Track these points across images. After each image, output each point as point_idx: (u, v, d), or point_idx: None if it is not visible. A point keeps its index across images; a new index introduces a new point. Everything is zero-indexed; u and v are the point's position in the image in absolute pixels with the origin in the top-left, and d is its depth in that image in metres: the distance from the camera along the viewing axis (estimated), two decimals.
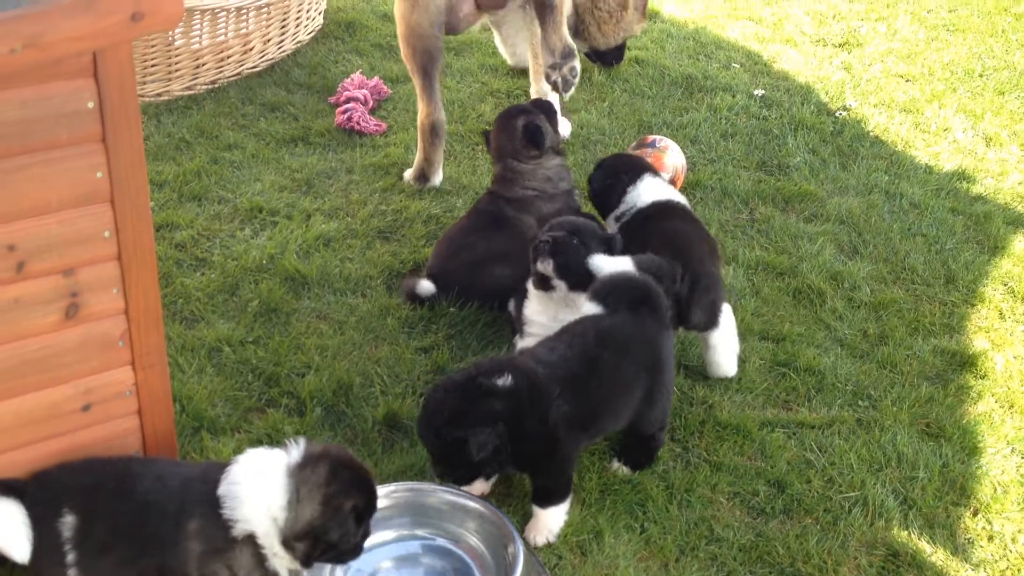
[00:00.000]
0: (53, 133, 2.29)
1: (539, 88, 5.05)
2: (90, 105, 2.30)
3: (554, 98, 4.81)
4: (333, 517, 2.40)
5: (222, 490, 2.39)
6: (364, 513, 2.47)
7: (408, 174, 4.54)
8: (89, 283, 2.47)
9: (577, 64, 4.45)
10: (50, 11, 2.09)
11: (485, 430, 2.72)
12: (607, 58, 5.55)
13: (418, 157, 4.51)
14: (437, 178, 4.55)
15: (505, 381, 2.77)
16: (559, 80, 4.43)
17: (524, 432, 2.78)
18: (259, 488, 2.39)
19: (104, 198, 2.41)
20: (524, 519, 2.92)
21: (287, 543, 2.40)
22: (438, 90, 4.43)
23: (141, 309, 2.56)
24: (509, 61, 5.54)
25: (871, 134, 5.14)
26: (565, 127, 4.93)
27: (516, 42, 5.37)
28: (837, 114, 5.26)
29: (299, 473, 2.41)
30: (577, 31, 5.28)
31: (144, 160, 2.43)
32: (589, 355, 2.95)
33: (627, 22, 5.38)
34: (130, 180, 2.42)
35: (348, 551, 2.49)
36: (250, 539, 2.38)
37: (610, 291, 3.10)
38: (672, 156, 4.34)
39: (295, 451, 2.45)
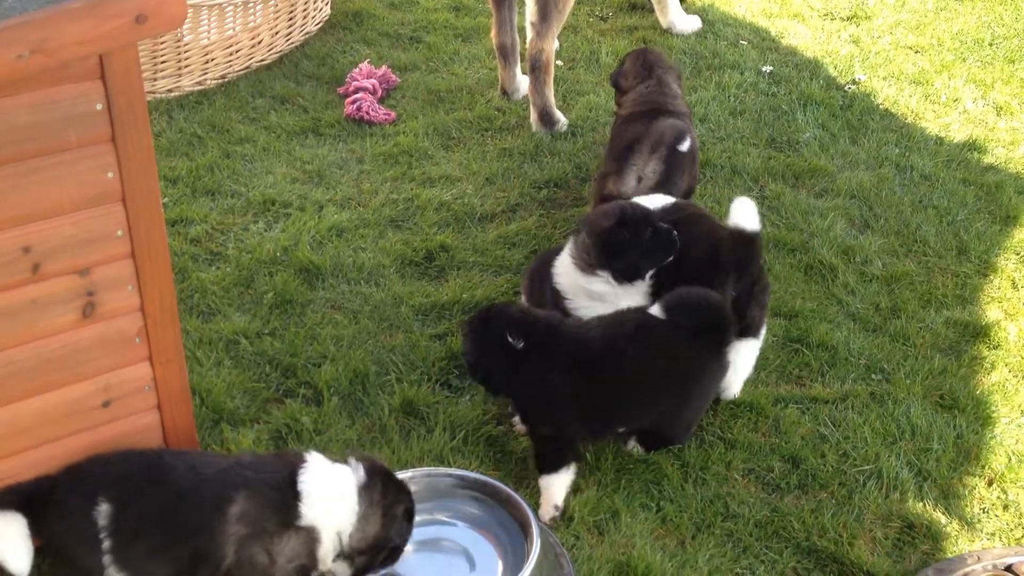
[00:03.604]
0: (63, 136, 2.33)
1: (667, 20, 5.79)
2: (99, 107, 2.34)
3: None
4: (392, 526, 2.56)
5: (302, 486, 2.50)
6: (412, 511, 2.63)
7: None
8: (104, 282, 2.52)
9: None
10: (55, 16, 2.12)
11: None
12: None
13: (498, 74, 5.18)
14: (518, 94, 5.12)
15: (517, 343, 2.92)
16: None
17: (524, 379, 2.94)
18: (334, 503, 2.52)
19: (116, 198, 2.45)
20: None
21: (347, 556, 2.55)
22: (507, 18, 4.98)
23: (157, 305, 2.61)
24: None
25: (881, 107, 5.12)
26: (693, 22, 5.78)
27: None
28: (846, 88, 5.25)
29: (366, 494, 2.55)
30: None
31: (154, 158, 2.46)
32: (616, 345, 2.97)
33: None
34: (141, 179, 2.46)
35: (398, 549, 2.63)
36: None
37: (680, 307, 3.04)
38: None
39: (360, 470, 2.57)
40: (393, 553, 2.61)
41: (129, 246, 2.51)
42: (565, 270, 3.33)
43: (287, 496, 2.49)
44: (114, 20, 2.19)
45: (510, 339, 2.91)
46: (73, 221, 2.41)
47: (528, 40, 4.78)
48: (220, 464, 2.55)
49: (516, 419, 3.20)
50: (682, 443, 3.15)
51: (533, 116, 4.85)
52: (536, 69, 4.75)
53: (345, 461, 2.60)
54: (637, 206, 3.34)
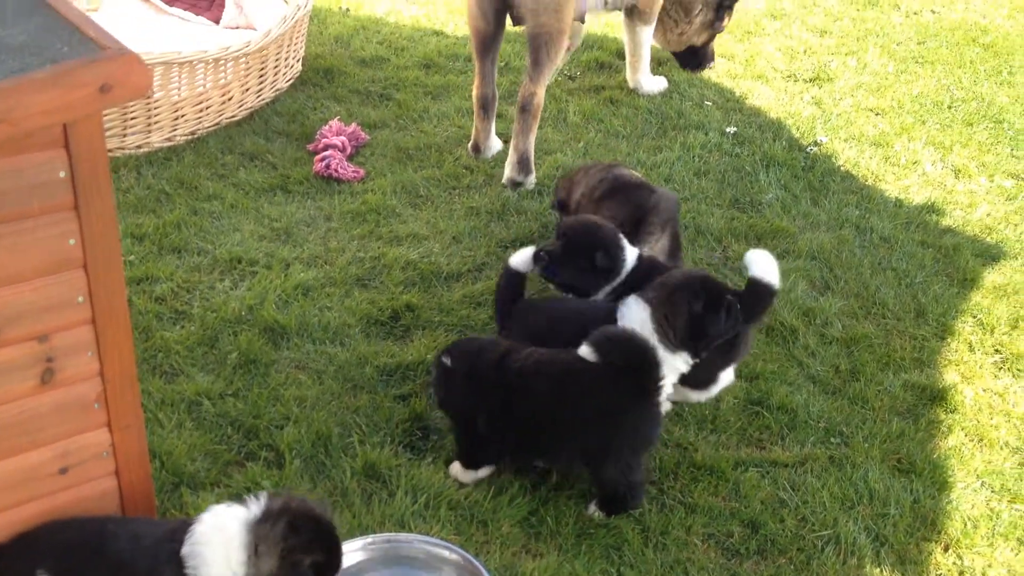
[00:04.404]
0: (26, 203, 2.33)
1: (634, 78, 5.90)
2: (62, 175, 2.35)
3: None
4: (292, 572, 2.43)
5: (185, 550, 2.43)
6: (325, 569, 2.51)
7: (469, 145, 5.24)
8: (64, 348, 2.51)
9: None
10: (20, 86, 2.14)
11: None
12: (681, 61, 6.18)
13: (473, 128, 5.22)
14: (489, 151, 5.19)
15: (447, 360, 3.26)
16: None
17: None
18: (219, 545, 2.43)
19: (77, 264, 2.45)
20: (502, 569, 2.96)
21: None
22: (489, 71, 5.08)
23: (116, 371, 2.60)
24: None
25: (842, 169, 5.22)
26: (659, 82, 5.94)
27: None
28: (808, 149, 5.35)
29: (258, 528, 2.45)
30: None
31: (116, 224, 2.47)
32: (533, 375, 3.15)
33: (689, 33, 5.97)
34: (103, 245, 2.46)
35: None
36: None
37: (605, 345, 3.11)
38: None
39: (255, 506, 2.49)
40: None
41: (90, 312, 2.51)
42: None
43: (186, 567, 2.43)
44: (79, 90, 2.21)
45: (444, 360, 3.25)
46: (34, 288, 2.41)
47: (522, 85, 4.92)
48: (157, 533, 2.53)
49: (451, 466, 3.32)
50: (636, 503, 3.16)
51: (511, 161, 4.93)
52: (525, 111, 4.89)
53: (254, 502, 2.52)
54: (714, 280, 3.43)
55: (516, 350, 3.24)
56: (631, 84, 5.91)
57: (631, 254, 3.65)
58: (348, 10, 6.88)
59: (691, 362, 3.33)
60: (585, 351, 3.10)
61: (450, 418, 3.39)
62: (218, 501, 3.07)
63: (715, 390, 3.55)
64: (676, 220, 4.03)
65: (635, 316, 3.30)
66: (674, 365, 3.31)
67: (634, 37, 5.78)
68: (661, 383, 3.11)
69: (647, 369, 3.08)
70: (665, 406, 3.45)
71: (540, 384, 3.14)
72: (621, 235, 3.68)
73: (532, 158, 4.93)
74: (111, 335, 2.55)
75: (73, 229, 2.42)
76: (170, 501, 3.11)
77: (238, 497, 3.09)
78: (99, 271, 2.48)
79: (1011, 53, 6.64)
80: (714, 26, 5.99)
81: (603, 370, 3.09)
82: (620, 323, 3.30)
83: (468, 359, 3.25)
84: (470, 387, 3.22)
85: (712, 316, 3.27)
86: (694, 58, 6.15)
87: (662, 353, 3.21)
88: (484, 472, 3.28)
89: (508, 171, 4.93)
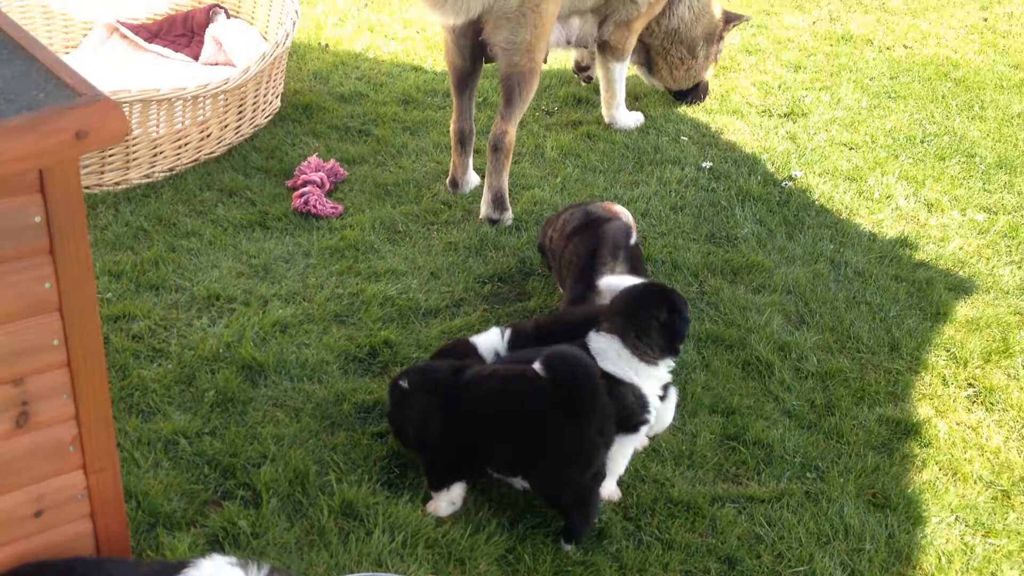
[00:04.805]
0: (1, 247, 2.34)
1: (609, 114, 5.96)
2: (37, 219, 2.36)
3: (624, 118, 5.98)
4: None
5: None
6: None
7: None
8: (39, 391, 2.51)
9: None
10: None
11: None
12: (682, 97, 6.26)
13: (451, 163, 5.25)
14: (467, 186, 5.23)
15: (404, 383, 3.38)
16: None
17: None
18: None
19: (53, 308, 2.46)
20: None
21: None
22: (467, 107, 5.14)
23: (91, 413, 2.60)
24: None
25: (816, 203, 5.28)
26: (636, 117, 5.99)
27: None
28: (783, 184, 5.41)
29: None
30: (650, 70, 6.19)
31: (91, 268, 2.48)
32: (478, 390, 3.26)
33: (697, 68, 6.10)
34: (78, 288, 2.47)
35: None
36: None
37: (551, 363, 3.16)
38: None
39: (254, 571, 2.49)
40: None
41: (65, 355, 2.51)
42: (626, 370, 3.35)
43: None
44: (54, 136, 2.22)
45: (400, 383, 3.38)
46: (8, 331, 2.41)
47: (494, 123, 4.99)
48: (139, 574, 2.52)
49: (428, 504, 3.36)
50: (584, 520, 3.18)
51: (486, 199, 4.97)
52: (497, 150, 4.95)
53: (247, 565, 2.51)
54: (654, 284, 3.70)
55: (470, 366, 3.36)
56: (607, 120, 5.97)
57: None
58: (327, 46, 6.93)
59: (673, 364, 3.46)
60: (538, 366, 3.17)
61: (406, 442, 3.45)
62: (195, 541, 3.08)
63: None
64: (625, 245, 4.02)
65: (607, 350, 3.34)
66: (658, 376, 3.39)
67: (607, 73, 5.85)
68: (598, 405, 3.17)
69: (586, 389, 3.13)
70: (642, 440, 3.50)
71: (487, 397, 3.24)
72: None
73: (507, 195, 4.97)
74: (86, 378, 2.56)
75: (49, 273, 2.42)
76: (146, 542, 3.09)
77: (217, 537, 3.10)
78: (75, 315, 2.48)
79: (982, 88, 6.74)
80: (716, 57, 6.18)
81: (549, 387, 3.14)
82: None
83: (422, 376, 3.37)
84: (424, 404, 3.30)
85: (676, 316, 3.39)
86: (696, 91, 6.27)
87: (644, 370, 3.33)
88: (457, 492, 3.32)
89: (484, 209, 4.97)
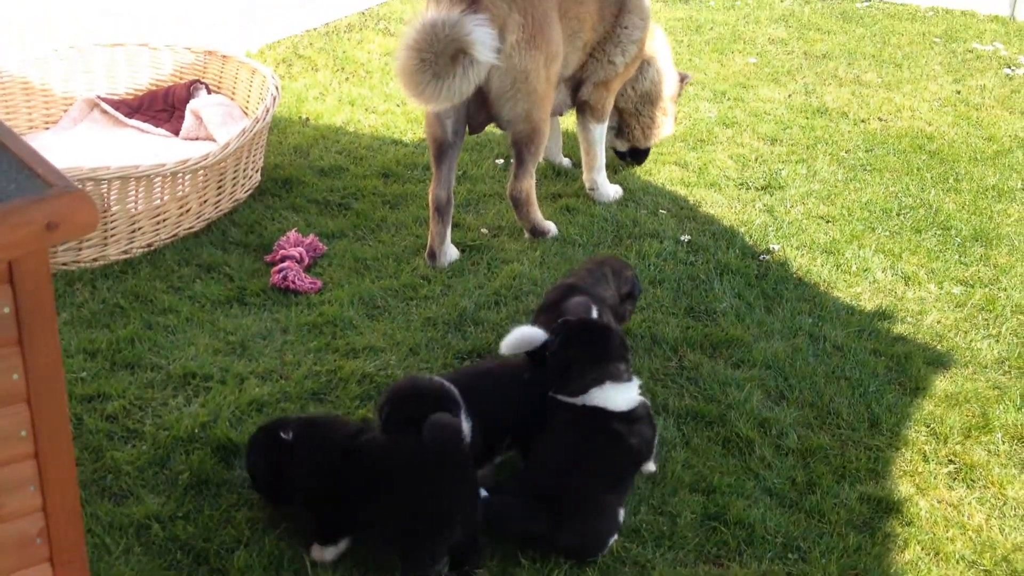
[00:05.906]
0: None
1: (591, 177, 6.01)
2: (6, 311, 2.33)
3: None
4: None
5: None
6: None
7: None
8: (6, 483, 2.46)
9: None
10: None
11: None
12: (641, 157, 6.43)
13: (429, 234, 5.28)
14: (445, 259, 5.22)
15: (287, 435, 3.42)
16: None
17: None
18: None
19: (21, 398, 2.42)
20: None
21: None
22: (446, 176, 5.21)
23: (59, 505, 2.55)
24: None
25: (794, 276, 5.30)
26: (615, 190, 6.04)
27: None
28: (761, 257, 5.43)
29: None
30: (620, 132, 6.31)
31: (61, 359, 2.45)
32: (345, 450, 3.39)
33: (665, 126, 6.31)
34: (47, 379, 2.44)
35: None
36: None
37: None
38: None
39: None
40: None
41: (33, 446, 2.46)
42: (616, 397, 3.62)
43: None
44: (24, 228, 2.21)
45: (282, 435, 3.42)
46: None
47: (508, 183, 5.33)
48: None
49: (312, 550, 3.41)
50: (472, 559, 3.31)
51: (527, 233, 5.46)
52: (519, 206, 5.34)
53: None
54: (588, 304, 4.04)
55: (347, 423, 3.55)
56: (587, 184, 6.00)
57: None
58: (308, 120, 6.97)
59: (640, 382, 3.72)
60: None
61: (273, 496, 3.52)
62: None
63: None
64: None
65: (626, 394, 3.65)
66: (629, 396, 3.64)
67: (587, 135, 5.88)
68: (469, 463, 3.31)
69: (452, 446, 3.24)
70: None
71: (370, 458, 3.35)
72: None
73: (542, 224, 5.47)
74: (54, 470, 2.51)
75: (16, 364, 2.39)
76: None
77: None
78: (43, 405, 2.45)
79: (956, 160, 6.83)
80: (673, 108, 6.39)
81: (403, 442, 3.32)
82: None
83: (308, 431, 3.45)
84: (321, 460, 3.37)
85: (613, 332, 3.74)
86: (645, 153, 6.43)
87: (617, 389, 3.60)
88: (342, 545, 3.38)
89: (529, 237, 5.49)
